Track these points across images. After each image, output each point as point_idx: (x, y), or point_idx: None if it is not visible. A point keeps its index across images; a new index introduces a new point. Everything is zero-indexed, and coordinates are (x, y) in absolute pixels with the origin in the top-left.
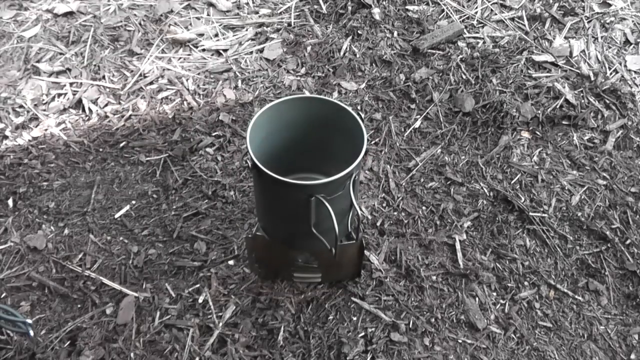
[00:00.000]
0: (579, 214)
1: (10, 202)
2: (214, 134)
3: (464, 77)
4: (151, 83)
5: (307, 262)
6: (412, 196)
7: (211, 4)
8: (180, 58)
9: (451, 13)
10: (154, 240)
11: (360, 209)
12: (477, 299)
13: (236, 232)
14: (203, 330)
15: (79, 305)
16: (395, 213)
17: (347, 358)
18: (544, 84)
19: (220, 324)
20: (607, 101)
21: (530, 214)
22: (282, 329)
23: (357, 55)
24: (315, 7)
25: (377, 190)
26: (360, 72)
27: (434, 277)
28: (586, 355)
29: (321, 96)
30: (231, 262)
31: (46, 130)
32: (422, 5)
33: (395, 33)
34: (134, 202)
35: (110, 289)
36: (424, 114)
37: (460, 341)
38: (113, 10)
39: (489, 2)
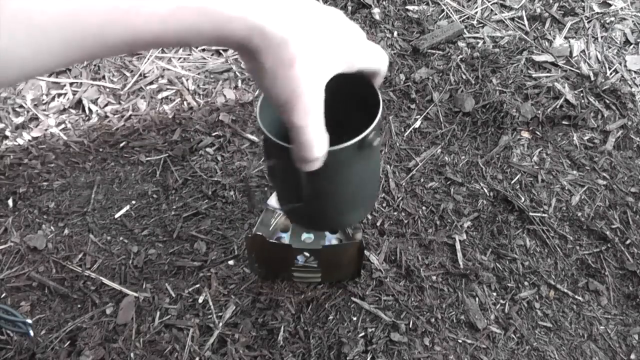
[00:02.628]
0: (579, 214)
1: (10, 202)
2: (214, 134)
3: (464, 77)
4: (151, 83)
5: (307, 262)
6: (412, 196)
7: None
8: (180, 58)
9: (451, 13)
10: (154, 240)
11: None
12: (477, 299)
13: (236, 232)
14: (203, 330)
15: (79, 305)
16: (395, 213)
17: (347, 358)
18: (544, 84)
19: (220, 324)
20: (607, 101)
21: (530, 214)
22: (282, 329)
23: None
24: None
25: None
26: None
27: (434, 277)
28: (586, 355)
29: None
30: (231, 262)
31: (46, 130)
32: (422, 5)
33: (395, 33)
34: (134, 202)
35: (110, 289)
36: (424, 114)
37: (460, 341)
38: None
39: (489, 2)
